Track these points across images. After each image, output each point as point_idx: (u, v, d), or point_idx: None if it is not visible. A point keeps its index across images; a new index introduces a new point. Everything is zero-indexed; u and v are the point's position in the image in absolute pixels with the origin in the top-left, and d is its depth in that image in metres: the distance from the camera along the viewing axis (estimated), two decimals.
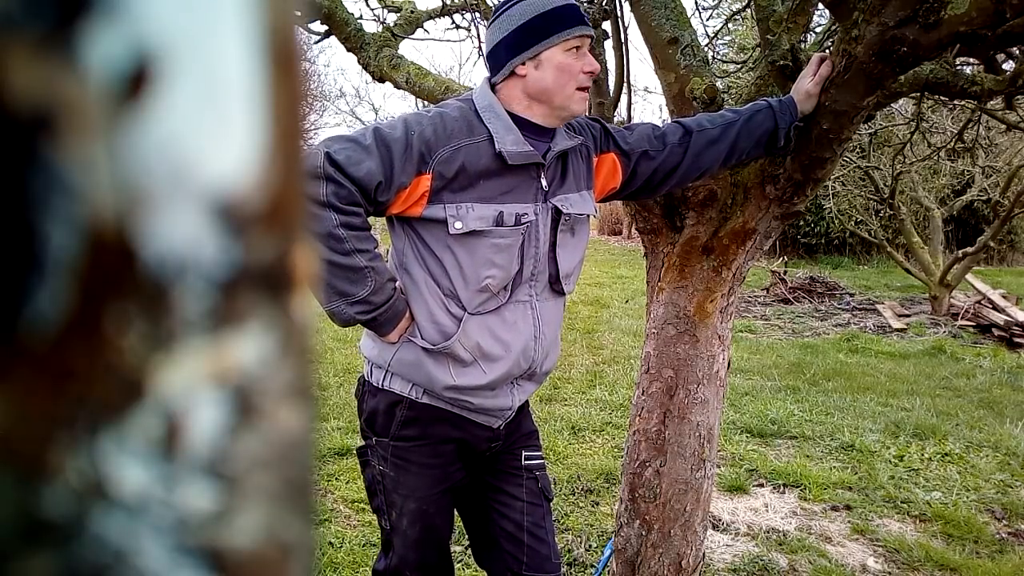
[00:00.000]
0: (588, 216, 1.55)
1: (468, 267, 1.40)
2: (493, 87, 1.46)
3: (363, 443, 1.56)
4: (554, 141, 1.46)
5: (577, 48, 1.40)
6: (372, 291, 1.35)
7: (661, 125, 1.63)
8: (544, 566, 1.59)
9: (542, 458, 1.67)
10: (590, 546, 2.58)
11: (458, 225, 1.38)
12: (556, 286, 1.53)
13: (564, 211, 1.50)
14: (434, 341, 1.43)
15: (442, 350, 1.42)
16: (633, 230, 12.11)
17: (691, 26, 1.75)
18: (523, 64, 1.40)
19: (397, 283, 1.43)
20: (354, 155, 1.30)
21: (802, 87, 1.54)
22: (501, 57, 1.41)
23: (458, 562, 2.33)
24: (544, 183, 1.46)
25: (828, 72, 1.50)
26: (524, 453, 1.61)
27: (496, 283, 1.43)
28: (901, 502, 2.98)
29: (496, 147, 1.38)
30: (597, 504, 2.91)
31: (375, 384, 1.50)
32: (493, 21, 1.43)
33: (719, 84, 1.74)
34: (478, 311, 1.43)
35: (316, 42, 2.48)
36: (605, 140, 1.55)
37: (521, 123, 1.42)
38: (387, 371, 1.48)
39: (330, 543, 2.52)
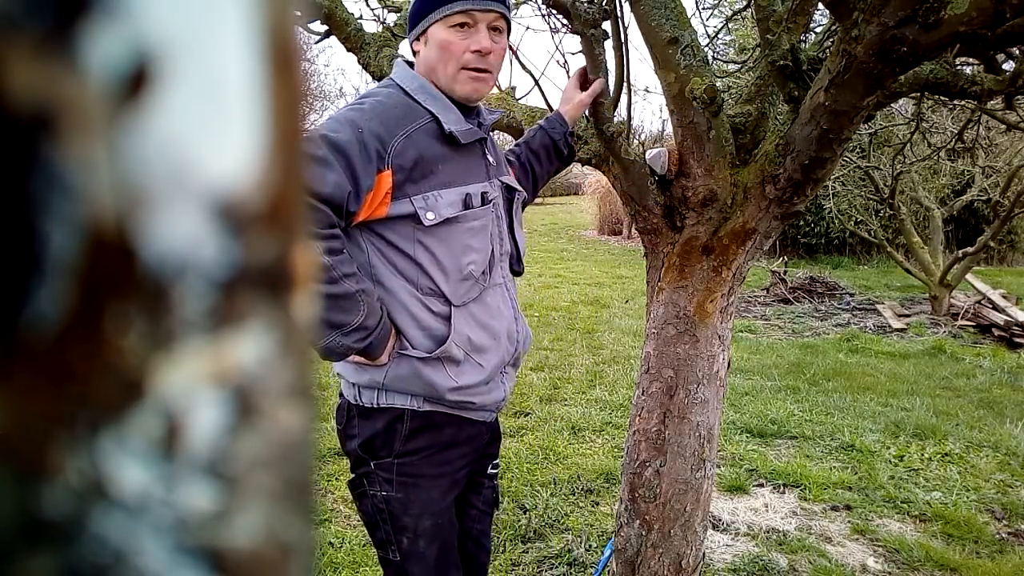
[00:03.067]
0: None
1: (446, 258, 1.33)
2: (411, 66, 1.39)
3: (355, 474, 1.43)
4: (481, 117, 1.42)
5: (464, 25, 1.30)
6: (367, 315, 1.24)
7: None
8: (480, 573, 1.60)
9: (499, 464, 1.66)
10: (590, 546, 2.58)
11: (430, 216, 1.29)
12: (517, 266, 1.51)
13: (517, 188, 1.50)
14: (428, 349, 1.34)
15: (439, 356, 1.34)
16: (633, 230, 12.09)
17: (691, 26, 1.74)
18: (416, 40, 1.34)
19: (378, 297, 1.32)
20: (314, 171, 1.18)
21: (575, 97, 1.62)
22: (408, 33, 1.37)
23: None
24: (491, 159, 1.43)
25: (600, 88, 1.60)
26: (491, 462, 1.59)
27: (477, 267, 1.37)
28: (901, 502, 2.98)
29: (445, 127, 1.31)
30: (597, 504, 2.91)
31: (368, 406, 1.38)
32: None
33: (719, 84, 1.74)
34: (463, 302, 1.37)
35: (316, 42, 2.48)
36: None
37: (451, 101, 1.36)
38: (381, 390, 1.37)
39: (330, 543, 2.52)
